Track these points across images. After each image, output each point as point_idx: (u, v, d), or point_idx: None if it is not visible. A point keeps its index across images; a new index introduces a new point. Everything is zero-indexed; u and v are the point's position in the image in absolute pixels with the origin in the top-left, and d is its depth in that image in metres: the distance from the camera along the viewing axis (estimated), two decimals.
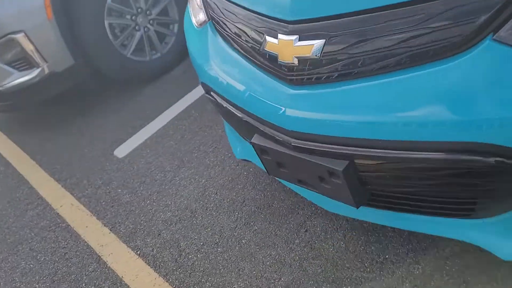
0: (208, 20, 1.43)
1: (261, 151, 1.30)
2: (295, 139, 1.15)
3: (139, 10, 2.82)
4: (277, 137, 1.20)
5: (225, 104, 1.40)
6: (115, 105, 2.93)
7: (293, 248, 1.60)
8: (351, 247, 1.51)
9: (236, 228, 1.76)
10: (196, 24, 1.52)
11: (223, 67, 1.34)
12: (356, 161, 1.07)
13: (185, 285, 1.64)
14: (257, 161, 1.62)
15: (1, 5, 2.43)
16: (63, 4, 2.53)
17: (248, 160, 1.69)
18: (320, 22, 1.00)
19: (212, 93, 1.48)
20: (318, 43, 1.01)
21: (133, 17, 2.82)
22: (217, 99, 1.44)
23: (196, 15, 1.52)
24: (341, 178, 1.10)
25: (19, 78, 2.62)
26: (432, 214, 1.14)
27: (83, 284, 1.81)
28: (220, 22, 1.33)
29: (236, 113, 1.35)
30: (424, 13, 0.88)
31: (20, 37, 2.49)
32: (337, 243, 1.55)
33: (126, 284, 1.74)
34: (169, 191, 2.08)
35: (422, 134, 0.93)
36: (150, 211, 2.02)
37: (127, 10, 2.77)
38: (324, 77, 1.04)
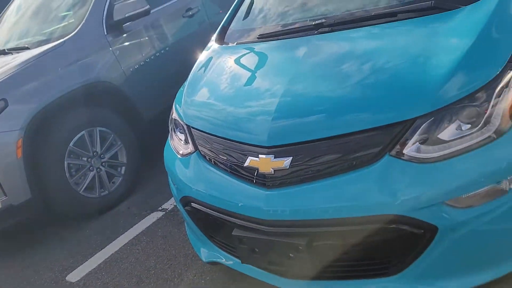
0: (195, 151, 1.99)
1: (239, 241, 1.76)
2: (270, 226, 1.66)
3: (94, 153, 3.28)
4: (255, 227, 1.70)
5: (207, 210, 1.88)
6: (62, 236, 3.12)
7: None
8: None
9: None
10: (181, 155, 2.07)
11: (210, 182, 1.87)
12: (314, 236, 1.60)
13: None
14: (223, 260, 2.05)
15: None
16: (33, 145, 2.92)
17: (214, 262, 2.10)
18: (288, 147, 1.63)
19: (193, 204, 1.96)
20: (288, 159, 1.62)
21: (89, 159, 3.25)
22: (199, 208, 1.92)
23: (181, 149, 2.09)
24: (304, 252, 1.61)
25: None
26: (363, 277, 1.67)
27: None
28: (208, 151, 1.90)
29: (218, 216, 1.83)
30: (349, 142, 1.55)
31: None
32: None
33: None
34: None
35: (354, 212, 1.52)
36: None
37: (85, 153, 3.21)
38: (291, 181, 1.62)
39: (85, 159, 3.23)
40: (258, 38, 2.29)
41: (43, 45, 3.34)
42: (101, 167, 3.32)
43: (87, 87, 3.23)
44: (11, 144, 2.84)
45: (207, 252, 2.14)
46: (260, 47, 2.23)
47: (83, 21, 3.36)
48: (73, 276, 2.67)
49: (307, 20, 2.16)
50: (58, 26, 3.58)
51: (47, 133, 3.02)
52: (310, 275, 1.69)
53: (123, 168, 3.46)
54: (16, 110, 2.93)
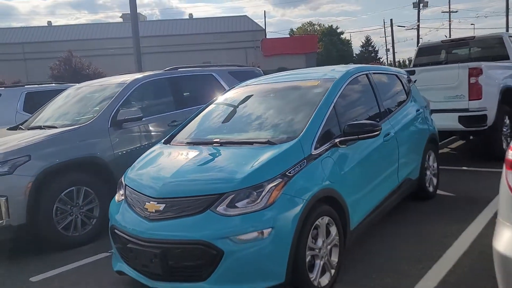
0: (124, 198, 3.37)
1: (130, 250, 3.04)
2: (146, 242, 2.95)
3: (76, 204, 4.66)
4: (139, 242, 2.99)
5: (120, 233, 3.20)
6: (36, 254, 4.37)
7: None
8: None
9: None
10: (117, 200, 3.45)
11: (125, 217, 3.22)
12: (165, 249, 2.87)
13: None
14: (125, 270, 3.28)
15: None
16: (37, 188, 4.34)
17: (120, 271, 3.33)
18: (164, 199, 3.00)
19: (115, 230, 3.28)
20: (163, 205, 2.98)
21: (71, 207, 4.63)
22: (117, 232, 3.24)
23: (119, 197, 3.48)
24: (158, 258, 2.87)
25: None
26: (189, 280, 2.88)
27: None
28: (128, 198, 3.29)
29: (125, 236, 3.14)
30: (191, 200, 2.91)
31: (2, 200, 4.18)
32: None
33: None
34: None
35: (185, 237, 2.82)
36: None
37: (70, 202, 4.61)
38: (162, 218, 2.96)
39: (69, 206, 4.61)
40: (186, 143, 3.81)
41: (66, 127, 4.96)
42: (78, 215, 4.67)
43: (86, 158, 4.76)
44: (23, 184, 4.29)
45: (117, 264, 3.39)
46: (184, 147, 3.75)
47: (96, 116, 5.02)
48: (35, 278, 3.88)
49: (212, 139, 3.70)
50: (80, 117, 5.25)
51: (49, 182, 4.46)
52: (162, 276, 2.93)
53: (95, 220, 4.80)
54: (34, 164, 4.42)
